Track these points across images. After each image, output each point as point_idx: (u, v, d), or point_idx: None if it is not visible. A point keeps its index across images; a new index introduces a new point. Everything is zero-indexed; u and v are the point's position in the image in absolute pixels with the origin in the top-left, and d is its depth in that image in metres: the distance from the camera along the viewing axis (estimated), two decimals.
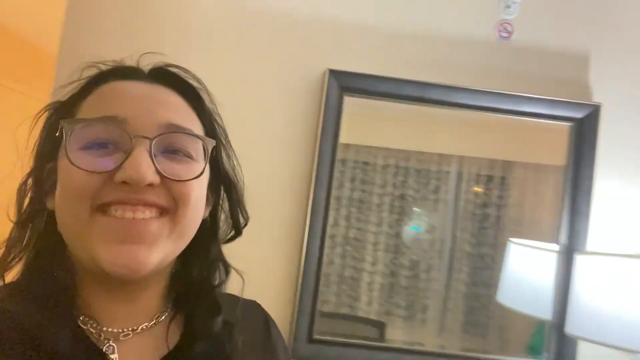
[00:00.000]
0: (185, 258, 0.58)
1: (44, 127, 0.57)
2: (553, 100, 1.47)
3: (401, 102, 1.47)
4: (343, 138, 1.46)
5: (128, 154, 0.49)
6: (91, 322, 0.52)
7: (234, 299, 0.66)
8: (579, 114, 1.47)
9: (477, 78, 1.49)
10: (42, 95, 1.52)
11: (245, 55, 1.48)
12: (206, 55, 1.47)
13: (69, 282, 0.52)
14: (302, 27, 1.50)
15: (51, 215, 0.54)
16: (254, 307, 0.70)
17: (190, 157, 0.54)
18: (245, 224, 0.65)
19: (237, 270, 0.64)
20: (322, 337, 1.40)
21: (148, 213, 0.50)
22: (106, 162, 0.49)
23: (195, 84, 0.60)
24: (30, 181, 0.56)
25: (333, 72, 1.44)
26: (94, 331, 0.52)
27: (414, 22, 1.53)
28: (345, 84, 1.45)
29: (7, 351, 0.47)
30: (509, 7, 1.51)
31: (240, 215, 0.63)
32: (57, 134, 0.53)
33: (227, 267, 0.64)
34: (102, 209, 0.49)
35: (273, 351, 0.65)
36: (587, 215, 1.44)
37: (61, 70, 1.44)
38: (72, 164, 0.49)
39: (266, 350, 0.64)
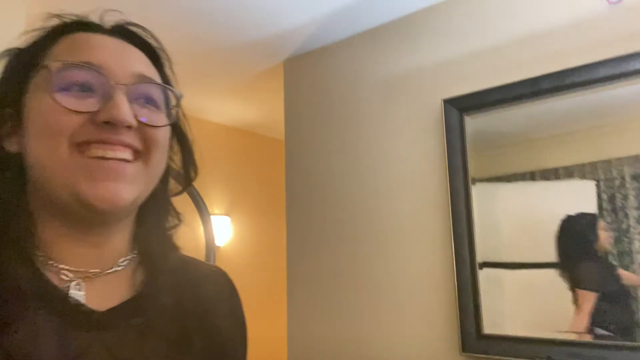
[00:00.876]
0: (142, 208, 0.61)
1: (4, 72, 0.57)
2: None
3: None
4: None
5: (109, 97, 0.52)
6: (52, 262, 0.54)
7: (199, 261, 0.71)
8: None
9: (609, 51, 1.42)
10: (280, 173, 2.31)
11: (386, 105, 1.88)
12: (355, 116, 1.94)
13: (27, 223, 0.53)
14: (416, 70, 1.80)
15: (7, 158, 0.55)
16: (217, 269, 0.72)
17: (158, 107, 0.58)
18: (195, 177, 0.67)
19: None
20: (491, 333, 1.53)
21: (126, 154, 0.53)
22: (88, 103, 0.52)
23: (154, 43, 0.63)
24: None
25: (447, 101, 1.68)
26: (54, 271, 0.54)
27: (511, 27, 1.61)
28: (463, 105, 1.65)
29: None
30: None
31: (191, 168, 0.66)
32: (32, 73, 0.54)
33: (178, 214, 0.67)
34: (79, 148, 0.51)
35: (234, 309, 0.68)
36: None
37: (289, 151, 2.18)
38: (57, 102, 0.51)
39: (226, 304, 0.67)
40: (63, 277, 0.54)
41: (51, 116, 0.51)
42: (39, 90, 0.53)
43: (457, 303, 1.59)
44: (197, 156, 0.66)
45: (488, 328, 1.54)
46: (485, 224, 1.61)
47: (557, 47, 1.52)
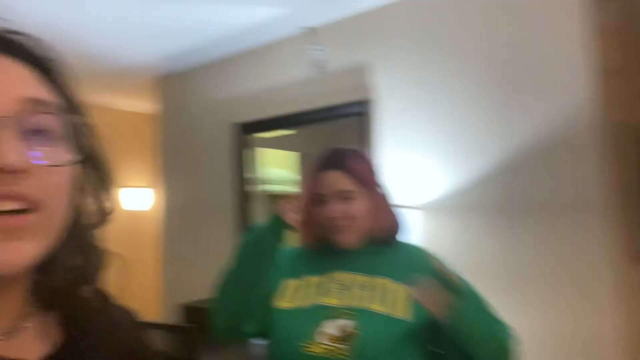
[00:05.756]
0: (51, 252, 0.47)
1: None
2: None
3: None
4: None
5: None
6: None
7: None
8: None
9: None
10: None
11: (207, 123, 2.68)
12: None
13: None
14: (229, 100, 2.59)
15: None
16: (129, 310, 0.63)
17: (57, 138, 0.46)
18: (112, 211, 0.53)
19: (113, 253, 0.56)
20: None
21: (20, 204, 0.42)
22: None
23: (44, 53, 0.50)
24: None
25: (235, 124, 2.46)
26: None
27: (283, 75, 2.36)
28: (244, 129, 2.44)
29: None
30: (319, 50, 2.14)
31: (106, 199, 0.53)
32: None
33: (100, 252, 0.54)
34: None
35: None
36: None
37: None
38: None
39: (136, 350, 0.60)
40: None
41: None
42: None
43: None
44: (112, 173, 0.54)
45: None
46: None
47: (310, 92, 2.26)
